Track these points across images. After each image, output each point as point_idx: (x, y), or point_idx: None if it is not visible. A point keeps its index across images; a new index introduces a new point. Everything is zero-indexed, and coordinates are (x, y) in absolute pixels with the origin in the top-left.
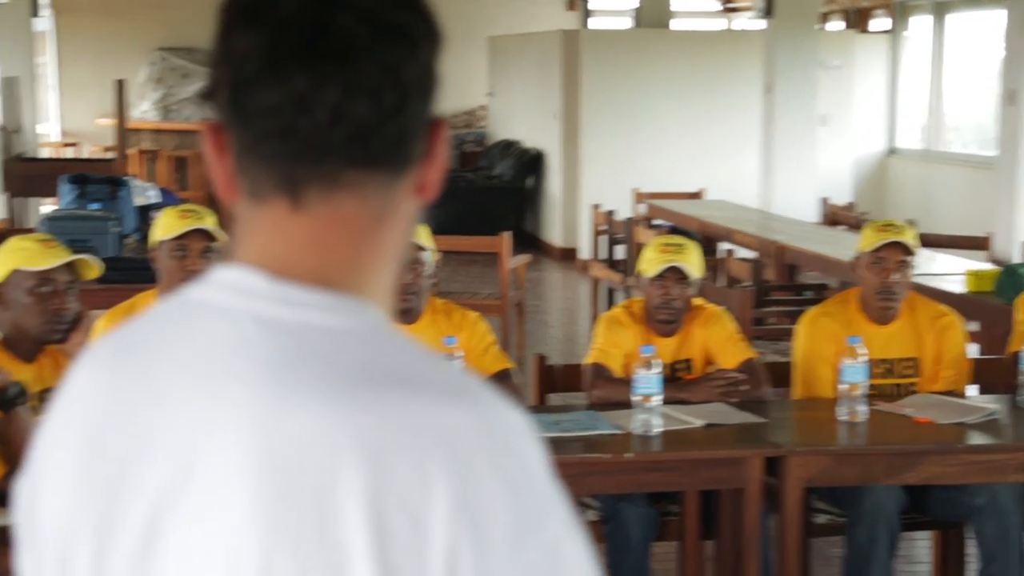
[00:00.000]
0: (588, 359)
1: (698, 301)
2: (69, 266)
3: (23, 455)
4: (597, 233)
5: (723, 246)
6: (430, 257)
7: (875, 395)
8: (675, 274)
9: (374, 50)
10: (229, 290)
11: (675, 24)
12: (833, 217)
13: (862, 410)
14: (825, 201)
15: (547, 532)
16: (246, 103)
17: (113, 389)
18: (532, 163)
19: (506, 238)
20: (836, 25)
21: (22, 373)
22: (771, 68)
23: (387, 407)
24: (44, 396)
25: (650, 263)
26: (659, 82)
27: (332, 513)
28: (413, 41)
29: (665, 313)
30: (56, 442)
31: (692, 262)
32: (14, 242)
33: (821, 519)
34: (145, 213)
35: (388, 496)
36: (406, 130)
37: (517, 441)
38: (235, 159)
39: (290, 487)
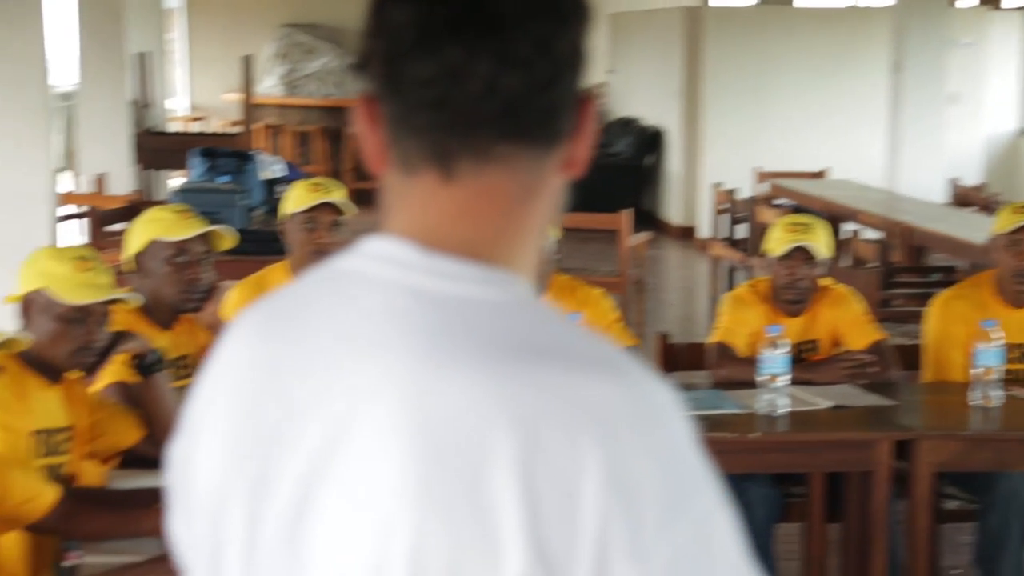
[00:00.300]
0: (713, 338)
1: (826, 281)
2: (204, 237)
3: (159, 420)
4: (718, 212)
5: (847, 226)
6: (552, 236)
7: (1010, 380)
8: (802, 254)
9: (527, 23)
10: (381, 261)
11: (800, 1)
12: (963, 198)
13: (996, 395)
14: (954, 182)
15: (697, 508)
16: (400, 75)
17: (267, 356)
18: (652, 141)
19: (626, 216)
20: (968, 2)
21: (158, 340)
22: (900, 46)
23: (539, 380)
24: (179, 363)
25: (777, 242)
26: (783, 60)
27: (484, 483)
28: (564, 16)
29: (791, 293)
30: (210, 407)
31: (820, 242)
32: (152, 213)
33: (951, 505)
34: (271, 187)
35: (540, 468)
36: (556, 104)
37: (667, 416)
38: (387, 130)
39: (442, 457)
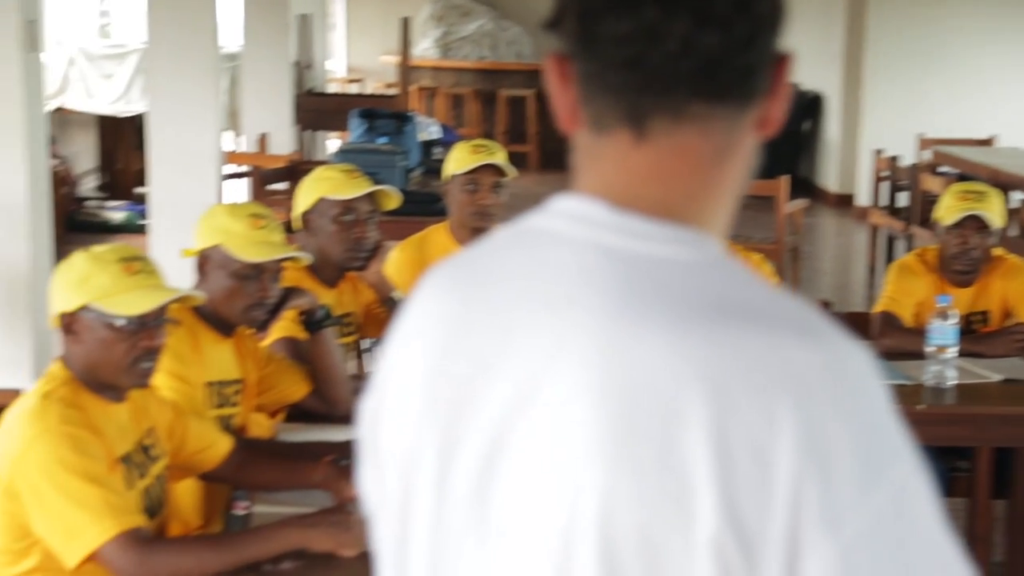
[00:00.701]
0: (878, 307)
1: (998, 251)
2: (370, 196)
3: (326, 375)
4: (878, 179)
5: (1016, 195)
6: None
7: None
8: (975, 223)
9: None
10: (571, 219)
11: None
12: None
13: None
14: None
15: (894, 475)
16: (594, 33)
17: (457, 313)
18: (809, 106)
19: (784, 182)
20: None
21: (324, 298)
22: None
23: (733, 341)
24: (343, 321)
25: (948, 210)
26: (951, 22)
27: (675, 444)
28: None
29: (962, 263)
30: (400, 364)
31: (994, 210)
32: (321, 172)
33: None
34: (428, 148)
35: (733, 431)
36: (754, 63)
37: (864, 380)
38: (578, 89)
39: (633, 416)
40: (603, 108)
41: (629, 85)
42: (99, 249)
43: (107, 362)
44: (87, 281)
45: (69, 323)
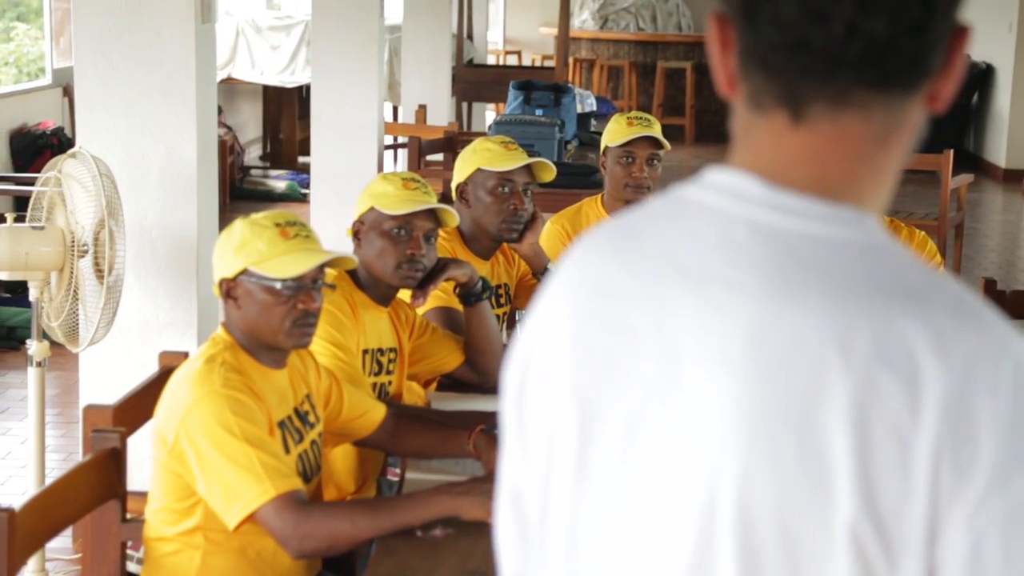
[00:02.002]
0: None
1: None
2: (527, 168)
3: (480, 347)
4: None
5: None
6: None
7: None
8: None
9: None
10: (722, 192)
11: None
12: None
13: None
14: None
15: None
16: (760, 12)
17: (603, 284)
18: (978, 78)
19: (948, 156)
20: None
21: (479, 269)
22: None
23: (882, 322)
24: (497, 292)
25: None
26: None
27: (816, 427)
28: None
29: None
30: (545, 331)
31: None
32: (479, 143)
33: None
34: (585, 121)
35: (875, 413)
36: (925, 48)
37: (1018, 364)
38: (738, 61)
39: (774, 393)
40: (761, 87)
41: (790, 68)
42: (256, 216)
43: (266, 325)
44: (245, 247)
45: (230, 289)
